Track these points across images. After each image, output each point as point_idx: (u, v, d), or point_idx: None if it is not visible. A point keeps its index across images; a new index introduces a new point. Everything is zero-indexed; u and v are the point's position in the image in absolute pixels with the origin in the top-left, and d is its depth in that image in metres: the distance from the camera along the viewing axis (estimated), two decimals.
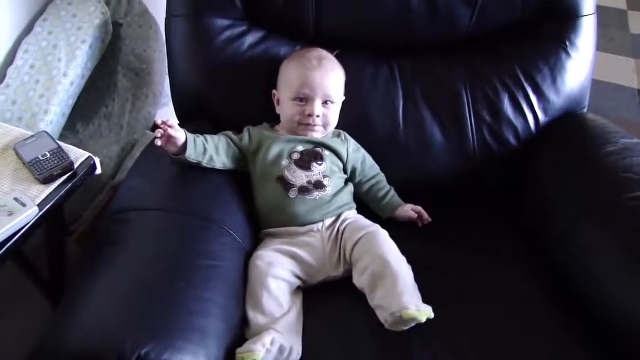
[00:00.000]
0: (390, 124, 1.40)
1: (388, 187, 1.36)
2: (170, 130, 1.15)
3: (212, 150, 1.22)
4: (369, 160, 1.36)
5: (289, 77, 1.31)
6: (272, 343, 1.00)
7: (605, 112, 1.44)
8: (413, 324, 1.03)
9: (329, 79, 1.29)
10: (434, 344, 1.04)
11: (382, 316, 1.05)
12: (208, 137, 1.24)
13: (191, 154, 1.19)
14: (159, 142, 1.15)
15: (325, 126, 1.31)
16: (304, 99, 1.28)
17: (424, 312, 1.02)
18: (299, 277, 1.16)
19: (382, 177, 1.37)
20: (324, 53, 1.34)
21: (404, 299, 1.04)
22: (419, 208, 1.33)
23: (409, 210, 1.33)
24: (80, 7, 1.40)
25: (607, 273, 1.10)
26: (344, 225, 1.22)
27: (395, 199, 1.35)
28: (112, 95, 1.57)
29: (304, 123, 1.29)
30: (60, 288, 1.32)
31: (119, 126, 1.62)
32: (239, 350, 0.99)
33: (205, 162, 1.21)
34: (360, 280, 1.12)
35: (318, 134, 1.31)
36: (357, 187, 1.34)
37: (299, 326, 1.08)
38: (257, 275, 1.12)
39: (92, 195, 1.58)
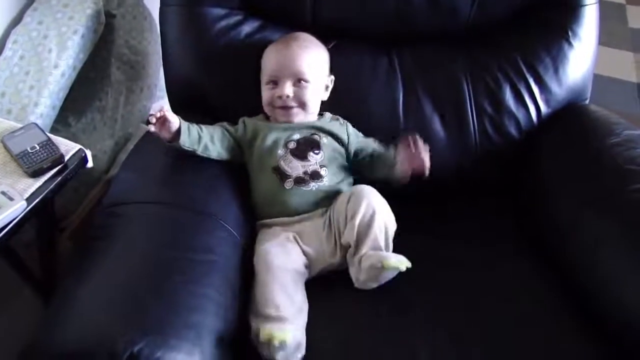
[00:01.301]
0: (390, 116, 1.38)
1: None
2: (166, 113, 1.14)
3: (207, 139, 1.20)
4: (368, 144, 1.32)
5: (264, 62, 1.30)
6: (294, 336, 0.98)
7: (605, 106, 1.42)
8: (390, 275, 1.06)
9: (299, 56, 1.26)
10: (435, 336, 1.03)
11: (356, 272, 1.08)
12: (203, 126, 1.22)
13: (185, 141, 1.17)
14: (152, 128, 1.14)
15: (301, 106, 1.27)
16: (275, 81, 1.26)
17: (403, 262, 1.04)
18: (305, 266, 1.13)
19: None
20: (300, 34, 1.32)
21: (382, 253, 1.06)
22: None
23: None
24: None
25: (612, 265, 1.09)
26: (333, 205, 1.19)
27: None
28: (106, 88, 1.55)
29: (278, 106, 1.27)
30: (51, 284, 1.30)
31: (113, 120, 1.59)
32: (268, 326, 0.98)
33: (200, 151, 1.19)
34: (348, 234, 1.11)
35: (298, 117, 1.28)
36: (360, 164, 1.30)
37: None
38: (268, 269, 1.08)
39: (85, 189, 1.56)
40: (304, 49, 1.28)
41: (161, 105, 1.16)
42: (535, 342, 1.04)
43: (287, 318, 1.01)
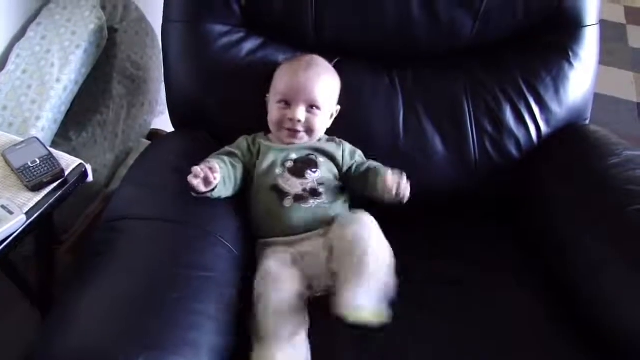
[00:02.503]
0: (390, 134, 1.37)
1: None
2: (214, 180, 1.10)
3: (228, 181, 1.18)
4: (362, 160, 1.32)
5: (277, 79, 1.29)
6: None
7: (604, 125, 1.43)
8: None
9: (316, 83, 1.26)
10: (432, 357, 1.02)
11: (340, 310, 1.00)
12: (221, 164, 1.18)
13: (217, 192, 1.14)
14: (195, 182, 1.08)
15: (308, 132, 1.27)
16: (288, 102, 1.26)
17: (377, 316, 0.97)
18: (307, 287, 1.11)
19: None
20: (317, 59, 1.31)
21: (359, 300, 0.98)
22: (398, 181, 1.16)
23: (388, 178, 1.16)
24: (75, 11, 1.38)
25: (612, 286, 1.08)
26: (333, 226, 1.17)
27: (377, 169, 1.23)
28: (107, 103, 1.55)
29: (286, 127, 1.26)
30: (49, 297, 1.29)
31: (114, 134, 1.59)
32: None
33: (224, 195, 1.17)
34: (337, 266, 1.07)
35: (301, 142, 1.28)
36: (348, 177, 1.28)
37: (307, 343, 1.04)
38: (266, 291, 1.07)
39: (84, 204, 1.56)
40: (322, 75, 1.28)
41: (214, 165, 1.12)
42: None
43: (280, 341, 1.00)
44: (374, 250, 1.06)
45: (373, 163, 1.29)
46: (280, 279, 1.09)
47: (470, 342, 1.05)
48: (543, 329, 1.10)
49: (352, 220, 1.13)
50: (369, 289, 1.00)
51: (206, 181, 1.10)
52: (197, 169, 1.09)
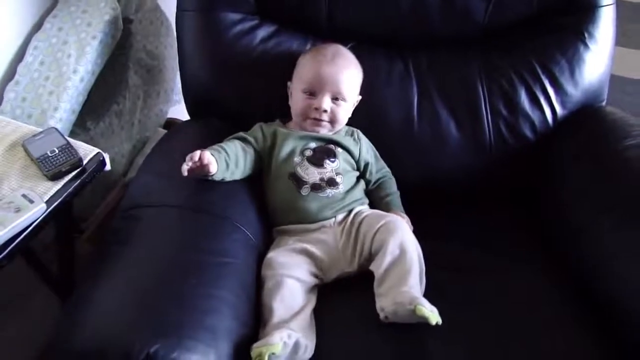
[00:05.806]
0: (405, 119, 1.37)
1: (392, 189, 1.33)
2: (209, 166, 1.11)
3: (233, 164, 1.18)
4: (379, 162, 1.34)
5: (302, 69, 1.30)
6: (289, 337, 0.98)
7: (622, 107, 1.41)
8: (414, 321, 1.00)
9: (341, 74, 1.27)
10: (449, 343, 1.02)
11: (383, 303, 1.03)
12: (227, 148, 1.19)
13: (218, 175, 1.15)
14: (186, 172, 1.09)
15: (332, 123, 1.28)
16: (313, 92, 1.26)
17: (435, 316, 0.99)
18: (314, 275, 1.13)
19: (388, 179, 1.34)
20: (342, 50, 1.32)
21: (416, 293, 1.03)
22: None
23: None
24: (90, 2, 1.39)
25: (629, 272, 1.06)
26: (359, 219, 1.19)
27: (392, 202, 1.30)
28: (123, 92, 1.56)
29: (311, 117, 1.27)
30: (70, 285, 1.31)
31: (130, 123, 1.61)
32: (255, 344, 0.97)
33: (228, 178, 1.18)
34: (376, 264, 1.09)
35: (324, 130, 1.29)
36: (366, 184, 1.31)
37: (313, 324, 1.06)
38: (271, 275, 1.09)
39: (103, 193, 1.58)
40: (347, 67, 1.29)
41: (203, 152, 1.12)
42: (549, 350, 1.03)
43: (280, 323, 1.01)
44: (418, 258, 1.11)
45: (387, 181, 1.33)
46: (287, 266, 1.11)
47: (482, 327, 1.05)
48: (557, 315, 1.09)
49: (392, 227, 1.14)
50: (417, 287, 1.07)
51: (202, 171, 1.11)
52: (184, 165, 1.09)
